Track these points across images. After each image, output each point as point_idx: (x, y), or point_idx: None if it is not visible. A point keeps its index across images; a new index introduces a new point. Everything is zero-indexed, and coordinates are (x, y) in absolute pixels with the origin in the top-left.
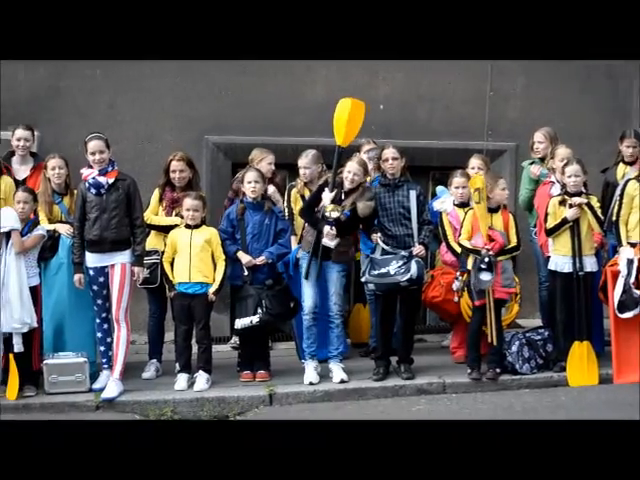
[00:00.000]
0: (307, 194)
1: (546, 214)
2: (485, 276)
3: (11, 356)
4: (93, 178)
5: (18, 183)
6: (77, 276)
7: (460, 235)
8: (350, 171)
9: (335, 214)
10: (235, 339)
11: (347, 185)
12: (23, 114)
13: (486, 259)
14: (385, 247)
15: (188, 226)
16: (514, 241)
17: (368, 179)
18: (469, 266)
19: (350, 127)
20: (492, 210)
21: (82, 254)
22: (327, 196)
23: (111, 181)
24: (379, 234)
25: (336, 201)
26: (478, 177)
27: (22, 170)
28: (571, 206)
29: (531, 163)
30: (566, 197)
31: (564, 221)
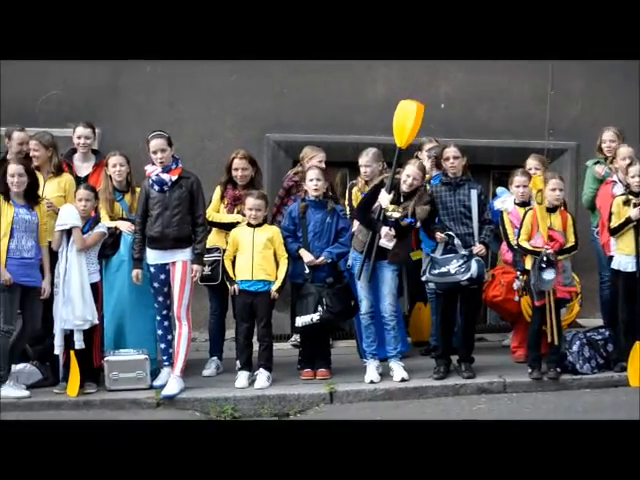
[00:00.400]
0: None
1: (610, 213)
2: (548, 275)
3: (72, 353)
4: (157, 175)
5: (80, 180)
6: (135, 271)
7: (519, 236)
8: (409, 175)
9: (396, 215)
10: (296, 337)
11: (405, 189)
12: (83, 112)
13: (545, 258)
14: (456, 240)
15: (250, 224)
16: (572, 240)
17: (427, 177)
18: (527, 266)
19: (411, 129)
20: (550, 210)
21: (142, 250)
22: (386, 197)
23: (174, 178)
24: (444, 233)
25: (394, 202)
26: (539, 178)
27: (84, 167)
28: (635, 205)
29: (595, 163)
30: (630, 197)
31: (628, 220)
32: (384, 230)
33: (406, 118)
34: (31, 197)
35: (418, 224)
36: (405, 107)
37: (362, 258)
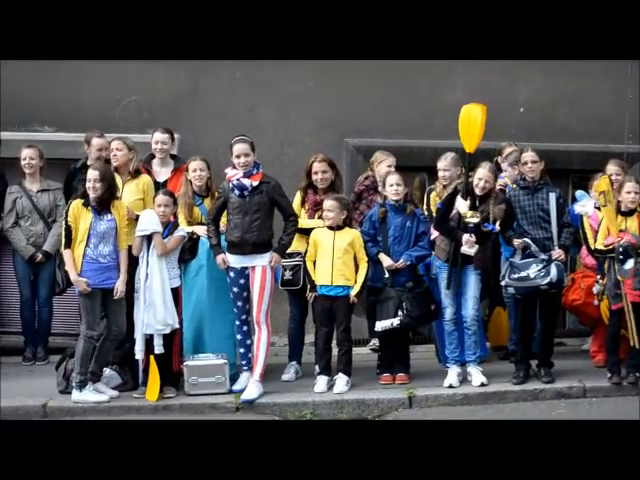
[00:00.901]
0: None
1: None
2: (628, 264)
3: (152, 357)
4: (237, 180)
5: (159, 185)
6: (219, 257)
7: (596, 241)
8: (481, 178)
9: (475, 220)
10: (374, 341)
11: (478, 192)
12: (162, 118)
13: (621, 249)
14: (533, 246)
15: (331, 227)
16: None
17: (508, 181)
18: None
19: (478, 133)
20: (626, 214)
21: (218, 236)
22: (462, 204)
23: (255, 184)
24: (522, 239)
25: (470, 208)
26: (603, 180)
27: (162, 172)
28: None
29: None
30: None
31: None
32: (465, 237)
33: (471, 122)
34: (109, 203)
35: (497, 227)
36: (469, 111)
37: (449, 267)
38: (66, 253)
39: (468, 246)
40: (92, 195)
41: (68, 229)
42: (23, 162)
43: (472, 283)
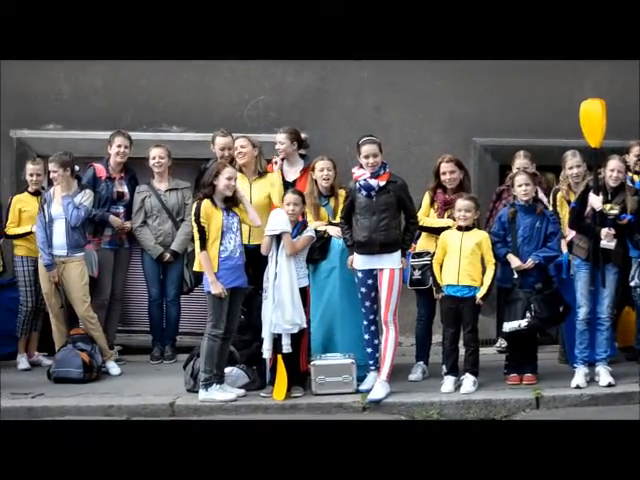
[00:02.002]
0: (572, 198)
1: None
2: None
3: (279, 357)
4: (364, 180)
5: (288, 185)
6: (351, 258)
7: None
8: (613, 169)
9: (615, 211)
10: (501, 342)
11: (612, 184)
12: (290, 116)
13: None
14: None
15: (460, 228)
16: None
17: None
18: None
19: (602, 127)
20: None
21: (352, 236)
22: (597, 199)
23: (382, 184)
24: None
25: (605, 202)
26: None
27: (291, 172)
28: None
29: None
30: None
31: None
32: (604, 231)
33: (592, 117)
34: (237, 200)
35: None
36: (588, 107)
37: (590, 265)
38: (203, 255)
39: (608, 240)
40: (228, 193)
41: (202, 230)
42: (152, 161)
43: (610, 280)
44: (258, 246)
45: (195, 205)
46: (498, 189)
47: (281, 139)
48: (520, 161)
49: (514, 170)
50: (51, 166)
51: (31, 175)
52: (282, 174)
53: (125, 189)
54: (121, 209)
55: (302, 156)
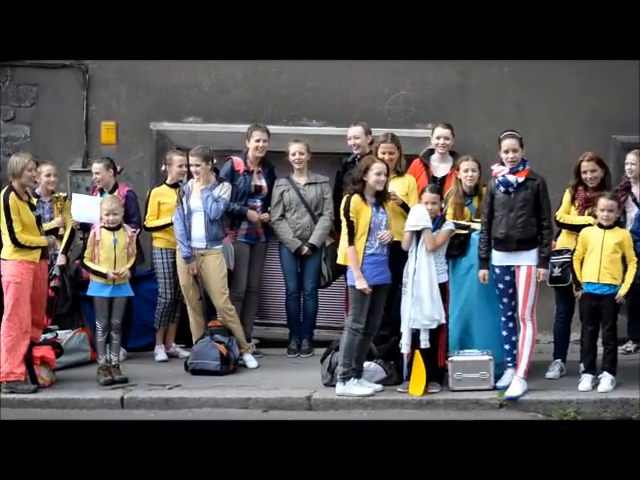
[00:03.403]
0: None
1: None
2: None
3: (417, 352)
4: (503, 176)
5: (435, 180)
6: (482, 272)
7: None
8: None
9: None
10: (628, 344)
11: None
12: (430, 112)
13: None
14: None
15: (601, 225)
16: None
17: None
18: None
19: None
20: None
21: (488, 250)
22: None
23: (521, 180)
24: None
25: None
26: None
27: (441, 168)
28: None
29: None
30: None
31: None
32: None
33: None
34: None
35: None
36: None
37: None
38: (350, 249)
39: None
40: (379, 188)
41: (350, 225)
42: (292, 157)
43: None
44: (397, 242)
45: (345, 199)
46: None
47: (446, 134)
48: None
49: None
50: (193, 159)
51: (180, 166)
52: (430, 170)
53: (263, 183)
54: (258, 202)
55: (452, 153)
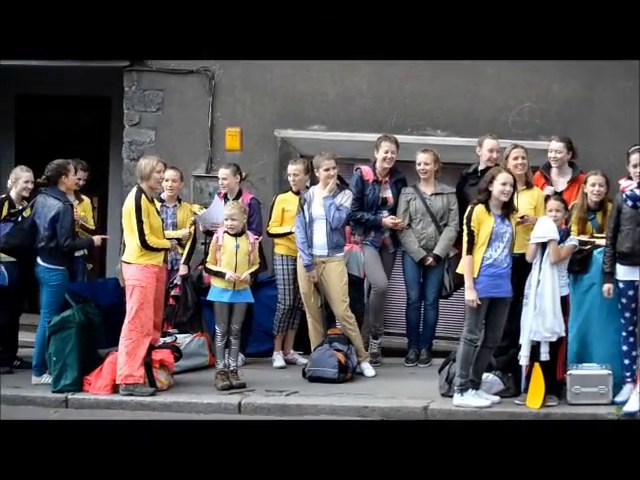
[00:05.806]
0: None
1: None
2: None
3: (536, 365)
4: (631, 190)
5: (555, 194)
6: (607, 286)
7: None
8: None
9: None
10: None
11: None
12: (555, 124)
13: None
14: None
15: None
16: None
17: None
18: None
19: None
20: None
21: (613, 264)
22: None
23: None
24: None
25: None
26: None
27: (560, 182)
28: None
29: None
30: None
31: None
32: None
33: None
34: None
35: None
36: None
37: None
38: (467, 259)
39: None
40: (504, 199)
41: (471, 234)
42: (418, 167)
43: None
44: (521, 255)
45: (469, 208)
46: None
47: (558, 147)
48: None
49: None
50: (326, 164)
51: (290, 175)
52: (551, 182)
53: (389, 194)
54: (385, 214)
55: (571, 164)
